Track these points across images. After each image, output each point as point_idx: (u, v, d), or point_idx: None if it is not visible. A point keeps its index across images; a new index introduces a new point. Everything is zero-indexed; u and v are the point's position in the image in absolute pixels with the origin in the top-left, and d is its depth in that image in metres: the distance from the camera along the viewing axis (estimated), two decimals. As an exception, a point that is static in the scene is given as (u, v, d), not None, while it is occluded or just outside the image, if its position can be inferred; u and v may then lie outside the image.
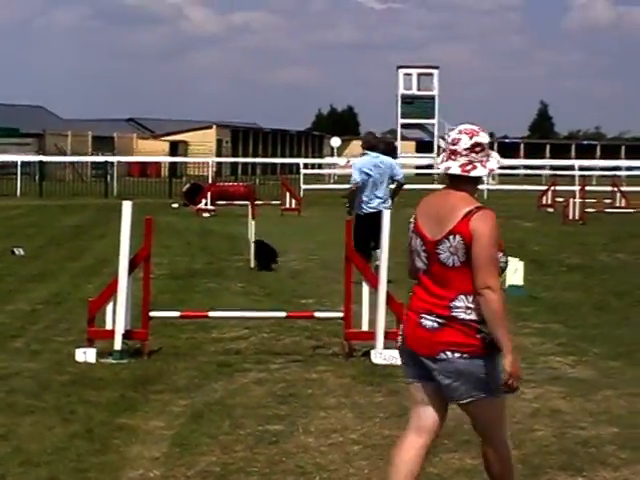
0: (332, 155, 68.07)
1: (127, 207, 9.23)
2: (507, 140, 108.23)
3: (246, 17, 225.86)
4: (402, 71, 67.65)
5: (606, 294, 13.65)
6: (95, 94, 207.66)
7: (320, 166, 62.82)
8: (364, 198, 14.55)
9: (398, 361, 8.91)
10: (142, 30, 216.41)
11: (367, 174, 14.48)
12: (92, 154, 63.04)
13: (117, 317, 9.08)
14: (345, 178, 59.66)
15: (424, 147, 73.83)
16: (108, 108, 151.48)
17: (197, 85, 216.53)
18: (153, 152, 67.90)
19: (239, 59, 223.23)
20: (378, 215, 14.49)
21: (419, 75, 68.07)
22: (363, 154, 14.95)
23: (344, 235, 9.60)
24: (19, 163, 44.89)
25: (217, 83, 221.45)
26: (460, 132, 4.90)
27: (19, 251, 18.05)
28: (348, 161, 51.08)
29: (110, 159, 48.66)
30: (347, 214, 14.35)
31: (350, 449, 6.60)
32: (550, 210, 33.32)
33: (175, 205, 34.49)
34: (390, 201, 14.60)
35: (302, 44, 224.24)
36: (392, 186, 14.78)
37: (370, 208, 14.42)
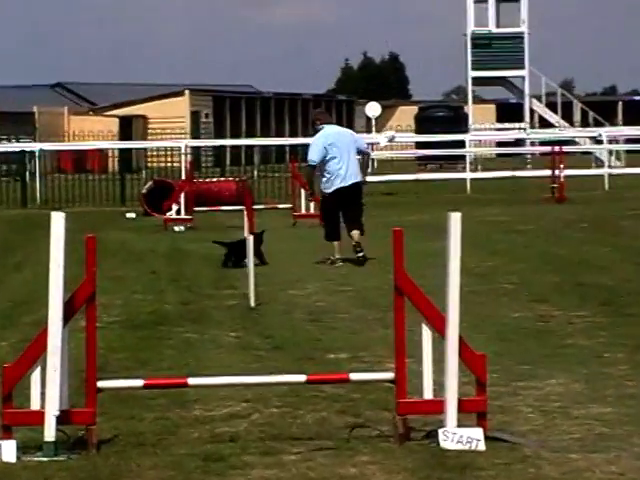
0: (369, 130, 68.19)
1: (58, 221, 9.26)
2: (638, 97, 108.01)
3: None
4: (472, -2, 67.60)
5: None
6: (5, 51, 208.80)
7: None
8: (330, 174, 20.06)
9: (481, 445, 8.96)
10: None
11: (327, 149, 19.97)
12: (1, 140, 63.25)
13: (48, 391, 9.11)
14: (387, 165, 59.80)
15: (508, 112, 73.88)
16: (26, 71, 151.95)
17: (157, 33, 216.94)
18: (94, 134, 68.12)
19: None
20: (350, 189, 20.11)
21: (498, 3, 67.93)
22: (317, 130, 20.62)
23: (391, 251, 9.53)
24: None
25: (189, 27, 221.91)
26: None
27: None
28: (393, 137, 51.11)
29: (29, 147, 48.84)
30: (310, 196, 21.92)
31: None
32: None
33: (131, 215, 34.60)
34: (362, 174, 20.64)
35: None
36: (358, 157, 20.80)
37: (339, 183, 20.07)
